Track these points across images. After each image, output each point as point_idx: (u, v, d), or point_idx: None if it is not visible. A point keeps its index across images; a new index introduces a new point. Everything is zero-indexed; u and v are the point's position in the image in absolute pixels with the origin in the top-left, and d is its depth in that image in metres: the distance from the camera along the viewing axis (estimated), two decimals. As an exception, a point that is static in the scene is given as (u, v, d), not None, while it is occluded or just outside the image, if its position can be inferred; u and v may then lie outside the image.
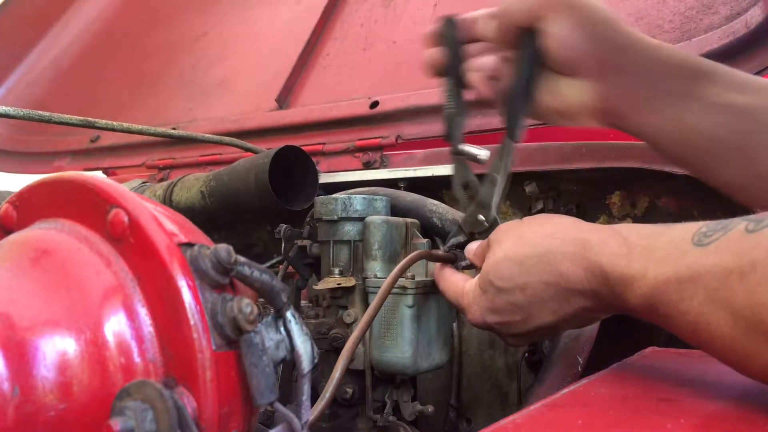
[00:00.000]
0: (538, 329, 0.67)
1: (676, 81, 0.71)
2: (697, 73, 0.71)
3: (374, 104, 1.26)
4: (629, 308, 0.58)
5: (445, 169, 1.11)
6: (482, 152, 0.79)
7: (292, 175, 1.10)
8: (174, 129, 1.33)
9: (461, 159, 0.80)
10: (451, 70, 0.79)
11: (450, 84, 0.80)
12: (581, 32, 0.71)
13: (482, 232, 0.78)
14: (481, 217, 0.78)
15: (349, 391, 0.86)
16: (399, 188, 1.10)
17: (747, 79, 0.72)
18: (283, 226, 0.96)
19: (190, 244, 0.44)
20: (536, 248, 0.65)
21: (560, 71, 0.74)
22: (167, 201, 1.18)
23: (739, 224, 0.49)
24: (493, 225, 0.77)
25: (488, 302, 0.69)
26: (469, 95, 0.80)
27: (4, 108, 0.93)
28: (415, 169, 1.14)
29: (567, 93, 0.74)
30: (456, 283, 0.76)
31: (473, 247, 0.78)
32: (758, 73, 0.88)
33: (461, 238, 0.80)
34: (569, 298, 0.63)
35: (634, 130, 0.74)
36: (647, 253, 0.55)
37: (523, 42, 0.73)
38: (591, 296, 0.61)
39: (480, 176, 0.79)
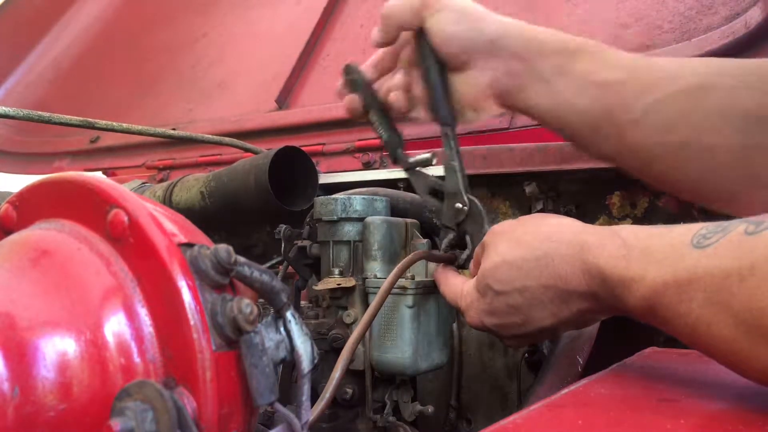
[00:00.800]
0: (537, 331, 0.68)
1: (554, 61, 0.75)
2: (575, 53, 0.75)
3: (374, 105, 1.26)
4: (628, 310, 0.58)
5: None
6: (428, 155, 0.84)
7: (291, 175, 1.10)
8: (174, 129, 1.33)
9: (415, 172, 0.85)
10: (370, 106, 0.84)
11: (375, 118, 0.84)
12: (458, 27, 0.76)
13: (466, 217, 0.80)
14: (458, 204, 0.80)
15: (349, 391, 0.86)
16: (399, 188, 1.10)
17: (619, 56, 0.75)
18: (282, 227, 0.96)
19: (189, 245, 0.44)
20: (534, 251, 0.65)
21: (452, 67, 0.78)
22: (167, 201, 1.18)
23: (738, 226, 0.48)
24: (471, 205, 0.80)
25: (486, 305, 0.69)
26: (395, 120, 0.85)
27: (4, 108, 0.93)
28: (414, 170, 1.13)
29: (464, 88, 0.79)
30: (455, 285, 0.76)
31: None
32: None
33: (451, 235, 0.81)
34: (568, 301, 0.63)
35: (522, 108, 0.79)
36: (646, 255, 0.55)
37: (419, 42, 0.79)
38: (590, 298, 0.61)
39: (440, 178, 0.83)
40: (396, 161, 0.86)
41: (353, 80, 0.84)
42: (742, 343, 0.47)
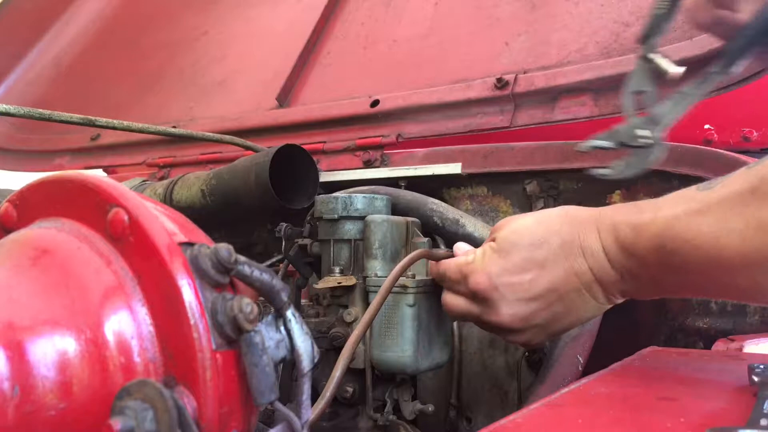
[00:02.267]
0: (543, 292, 0.68)
1: None
2: None
3: (375, 103, 1.26)
4: (638, 261, 0.61)
5: (445, 168, 1.11)
6: (674, 68, 0.75)
7: (292, 173, 1.10)
8: (174, 127, 1.33)
9: (645, 66, 0.77)
10: None
11: None
12: None
13: (635, 147, 0.74)
14: (645, 132, 0.74)
15: (350, 390, 0.86)
16: (399, 187, 1.10)
17: None
18: (283, 225, 0.96)
19: (190, 244, 0.44)
20: (556, 213, 0.70)
21: None
22: (167, 199, 1.18)
23: (738, 169, 0.55)
24: (653, 145, 0.73)
25: (503, 260, 0.70)
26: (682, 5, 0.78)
27: (4, 106, 0.93)
28: (415, 168, 1.14)
29: None
30: (455, 259, 0.76)
31: (465, 248, 0.79)
32: (758, 73, 0.88)
33: (608, 144, 0.77)
34: (580, 257, 0.66)
35: None
36: (656, 203, 0.61)
37: None
38: (601, 256, 0.65)
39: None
40: (643, 39, 0.78)
41: None
42: (752, 243, 0.51)
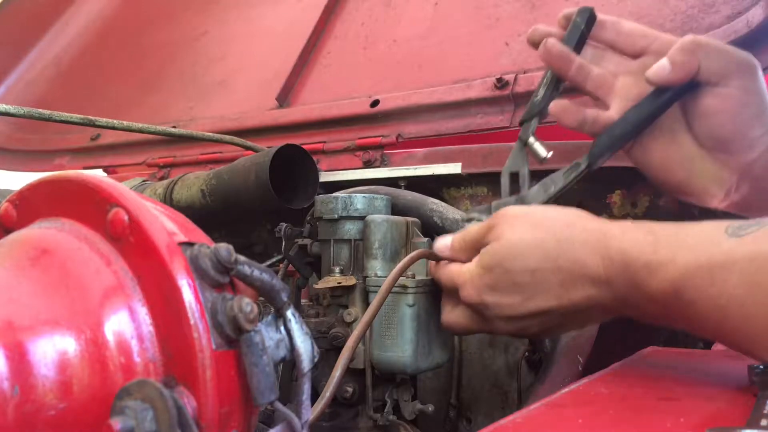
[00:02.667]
0: (532, 314, 0.66)
1: None
2: None
3: (375, 103, 1.26)
4: (646, 297, 0.57)
5: (445, 168, 1.11)
6: (546, 153, 0.80)
7: (292, 173, 1.10)
8: (174, 127, 1.33)
9: (522, 149, 0.81)
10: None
11: (548, 72, 0.80)
12: (753, 104, 0.69)
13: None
14: None
15: (350, 390, 0.86)
16: (399, 187, 1.10)
17: None
18: (283, 225, 0.96)
19: (190, 243, 0.44)
20: (555, 234, 0.64)
21: (703, 142, 0.72)
22: (167, 199, 1.18)
23: None
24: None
25: (490, 280, 0.67)
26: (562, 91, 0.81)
27: (4, 106, 0.93)
28: (415, 168, 1.14)
29: (701, 170, 0.72)
30: (451, 265, 0.75)
31: (449, 240, 0.77)
32: (759, 73, 0.88)
33: (484, 217, 0.79)
34: (578, 285, 0.62)
35: None
36: (676, 240, 0.55)
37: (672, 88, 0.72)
38: (602, 285, 0.61)
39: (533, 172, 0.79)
40: (521, 123, 0.82)
41: (578, 25, 0.79)
42: None
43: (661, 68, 0.71)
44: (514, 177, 0.82)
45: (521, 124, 0.82)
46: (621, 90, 0.78)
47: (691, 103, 0.74)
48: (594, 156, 0.77)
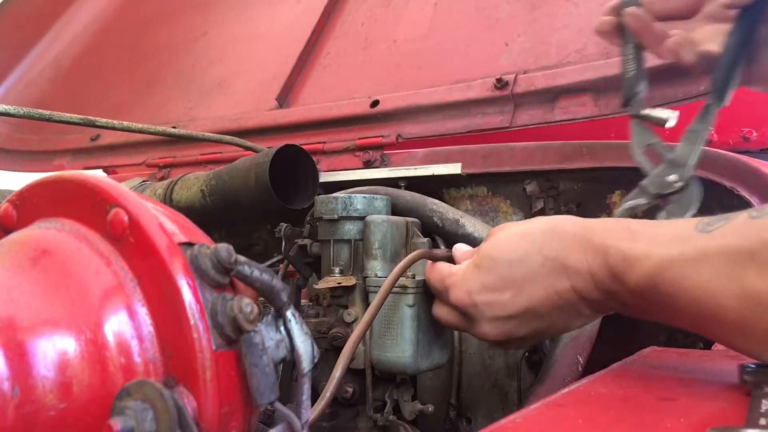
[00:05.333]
0: (521, 311, 0.67)
1: None
2: None
3: (374, 103, 1.26)
4: (626, 289, 0.59)
5: (445, 168, 1.11)
6: (668, 114, 0.78)
7: (292, 174, 1.10)
8: (174, 128, 1.33)
9: (641, 123, 0.79)
10: (629, 39, 0.79)
11: (630, 52, 0.79)
12: None
13: (670, 193, 0.75)
14: (673, 177, 0.75)
15: (350, 390, 0.86)
16: (399, 187, 1.10)
17: None
18: (283, 225, 0.96)
19: (190, 244, 0.44)
20: (540, 227, 0.67)
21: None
22: (167, 200, 1.18)
23: (741, 214, 0.52)
24: (687, 185, 0.74)
25: (481, 276, 0.69)
26: (648, 59, 0.80)
27: (4, 106, 0.93)
28: (415, 168, 1.14)
29: None
30: (442, 267, 0.76)
31: (463, 249, 0.79)
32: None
33: (642, 201, 0.77)
34: (563, 275, 0.64)
35: None
36: (651, 238, 0.58)
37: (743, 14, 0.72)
38: (586, 277, 0.62)
39: None
40: (627, 102, 0.81)
41: (632, 2, 0.79)
42: (748, 312, 0.49)
43: None
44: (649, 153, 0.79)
45: (625, 105, 0.80)
46: (704, 36, 0.77)
47: None
48: (719, 90, 0.75)
